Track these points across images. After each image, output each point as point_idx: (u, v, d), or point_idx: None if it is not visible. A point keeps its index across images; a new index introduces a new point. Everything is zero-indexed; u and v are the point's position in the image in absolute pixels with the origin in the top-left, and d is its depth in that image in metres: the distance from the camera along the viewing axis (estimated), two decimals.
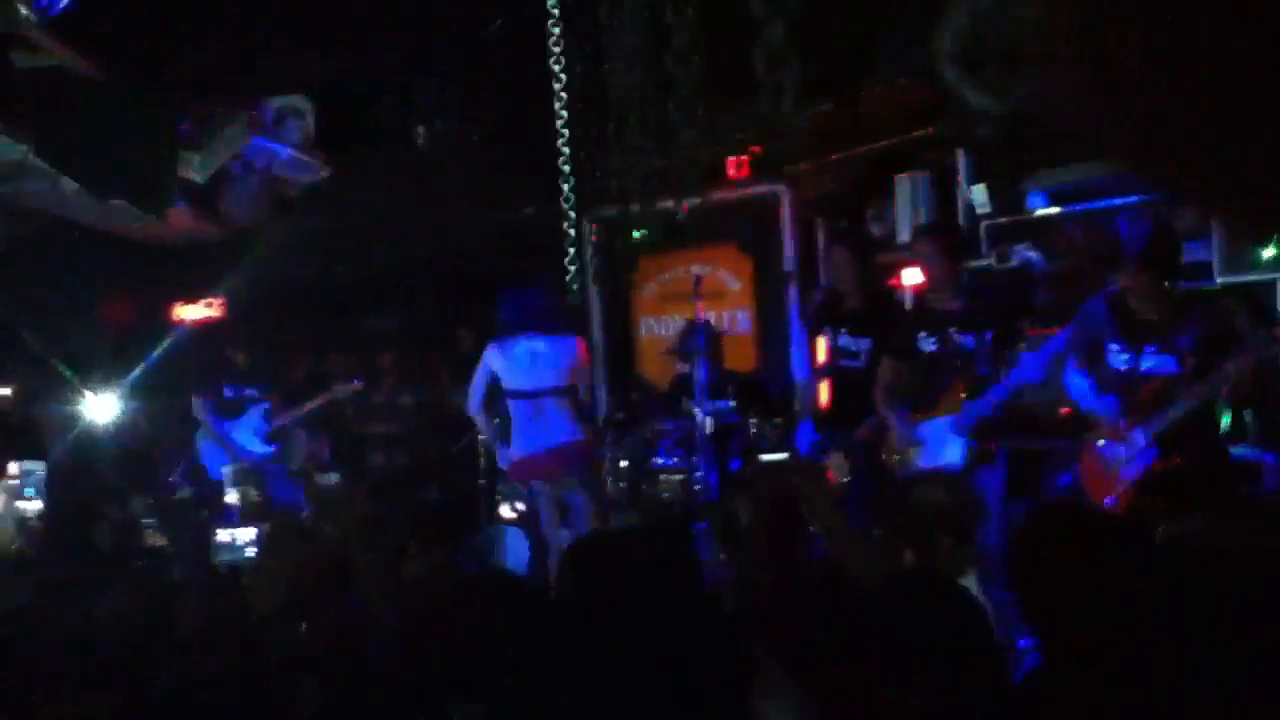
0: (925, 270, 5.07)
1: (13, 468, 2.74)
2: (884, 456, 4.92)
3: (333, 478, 3.30)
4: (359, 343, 8.12)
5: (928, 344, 4.80)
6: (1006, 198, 5.85)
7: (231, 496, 3.26)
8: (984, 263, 6.08)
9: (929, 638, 1.88)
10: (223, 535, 2.54)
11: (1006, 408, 4.59)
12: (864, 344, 5.33)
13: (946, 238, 4.96)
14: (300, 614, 2.54)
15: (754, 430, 6.32)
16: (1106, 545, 2.24)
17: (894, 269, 6.28)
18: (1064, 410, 5.35)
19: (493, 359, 5.37)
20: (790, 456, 5.38)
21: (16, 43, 4.48)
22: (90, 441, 6.16)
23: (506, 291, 5.48)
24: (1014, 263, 6.03)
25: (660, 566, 2.34)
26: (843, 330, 5.42)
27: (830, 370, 5.53)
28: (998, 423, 4.63)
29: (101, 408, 6.10)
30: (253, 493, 3.29)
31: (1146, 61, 1.86)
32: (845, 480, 5.00)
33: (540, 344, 5.32)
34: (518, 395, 5.33)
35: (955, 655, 1.88)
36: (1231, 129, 1.83)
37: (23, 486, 2.64)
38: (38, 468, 2.70)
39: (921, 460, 4.75)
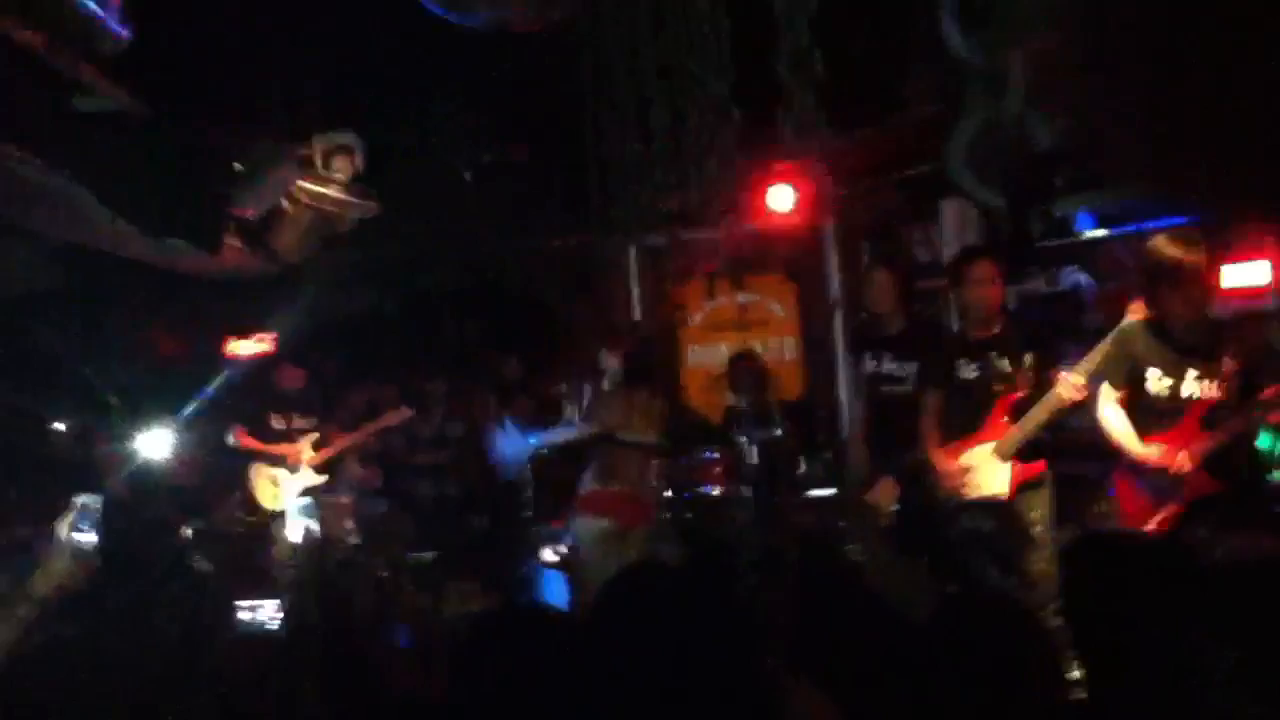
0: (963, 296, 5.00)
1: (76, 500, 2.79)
2: (933, 486, 4.86)
3: (381, 506, 3.31)
4: (408, 373, 8.19)
5: (969, 370, 4.76)
6: (1048, 221, 5.78)
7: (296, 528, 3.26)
8: (1034, 286, 6.01)
9: (989, 665, 1.87)
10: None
11: (1051, 432, 4.53)
12: (910, 368, 5.27)
13: (984, 262, 4.91)
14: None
15: (802, 466, 6.27)
16: (1155, 569, 2.21)
17: (937, 294, 6.23)
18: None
19: None
20: (836, 493, 5.34)
21: (75, 87, 4.60)
22: (145, 475, 6.27)
23: None
24: (1063, 285, 5.96)
25: (703, 600, 2.33)
26: (886, 355, 5.37)
27: (872, 396, 5.48)
28: (1043, 447, 4.57)
29: (155, 443, 6.21)
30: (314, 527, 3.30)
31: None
32: (893, 509, 4.94)
33: None
34: None
35: (1018, 678, 1.87)
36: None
37: (80, 520, 2.68)
38: (94, 501, 2.75)
39: (971, 489, 4.69)
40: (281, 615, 2.67)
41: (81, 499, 2.75)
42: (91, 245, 5.74)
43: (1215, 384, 4.03)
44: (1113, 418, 4.23)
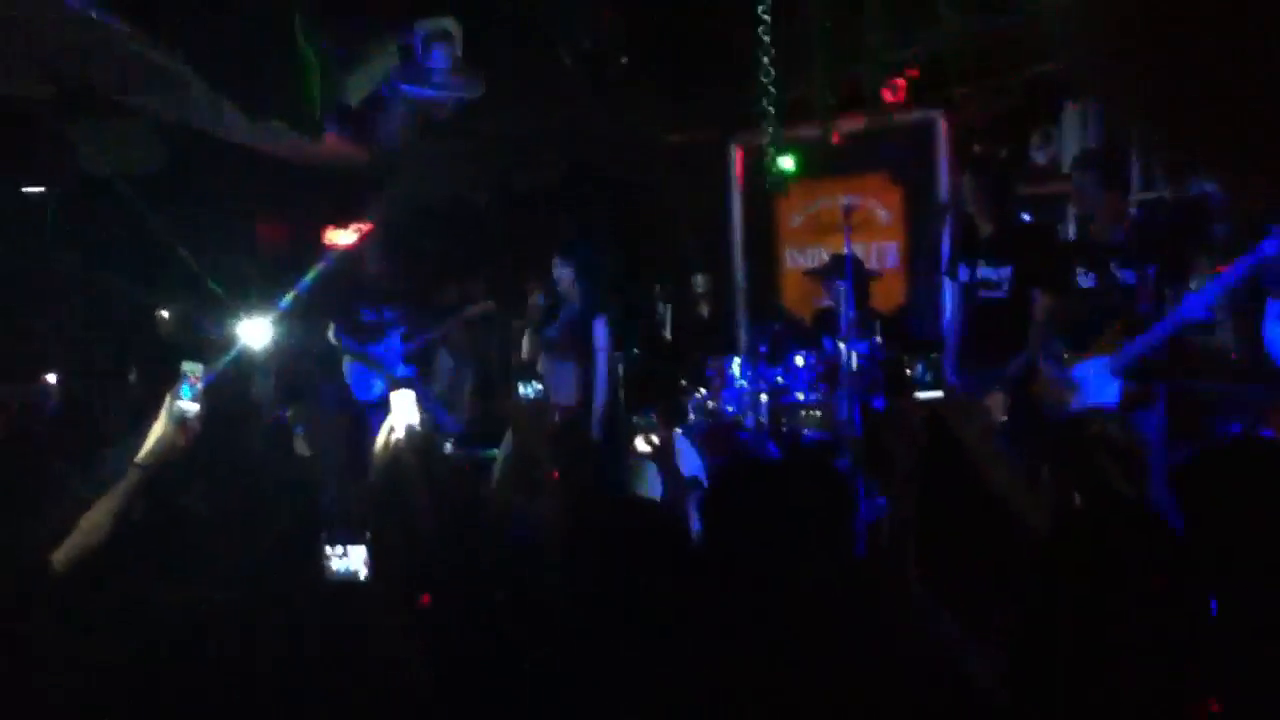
0: (1083, 201, 4.80)
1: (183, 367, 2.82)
2: (1037, 395, 4.72)
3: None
4: (501, 266, 8.18)
5: (1086, 279, 4.57)
6: None
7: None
8: (1156, 195, 5.73)
9: (1132, 571, 1.79)
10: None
11: (1170, 348, 4.33)
12: (1005, 272, 5.09)
13: (1106, 167, 4.67)
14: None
15: (906, 368, 6.11)
16: None
17: (1059, 199, 5.96)
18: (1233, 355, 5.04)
19: None
20: (945, 394, 5.20)
21: None
22: (247, 360, 6.38)
23: None
24: (1191, 192, 5.66)
25: (812, 496, 2.28)
26: (980, 261, 5.18)
27: (968, 302, 5.31)
28: (1159, 364, 4.37)
29: (256, 331, 6.30)
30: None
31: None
32: (1001, 419, 4.80)
33: None
34: None
35: (1161, 584, 1.80)
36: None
37: (183, 388, 2.71)
38: (197, 370, 2.76)
39: (1077, 401, 4.54)
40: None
41: (186, 366, 2.76)
42: (196, 126, 5.76)
43: None
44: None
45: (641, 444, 3.54)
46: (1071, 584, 1.89)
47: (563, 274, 5.79)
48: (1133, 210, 4.78)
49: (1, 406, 4.85)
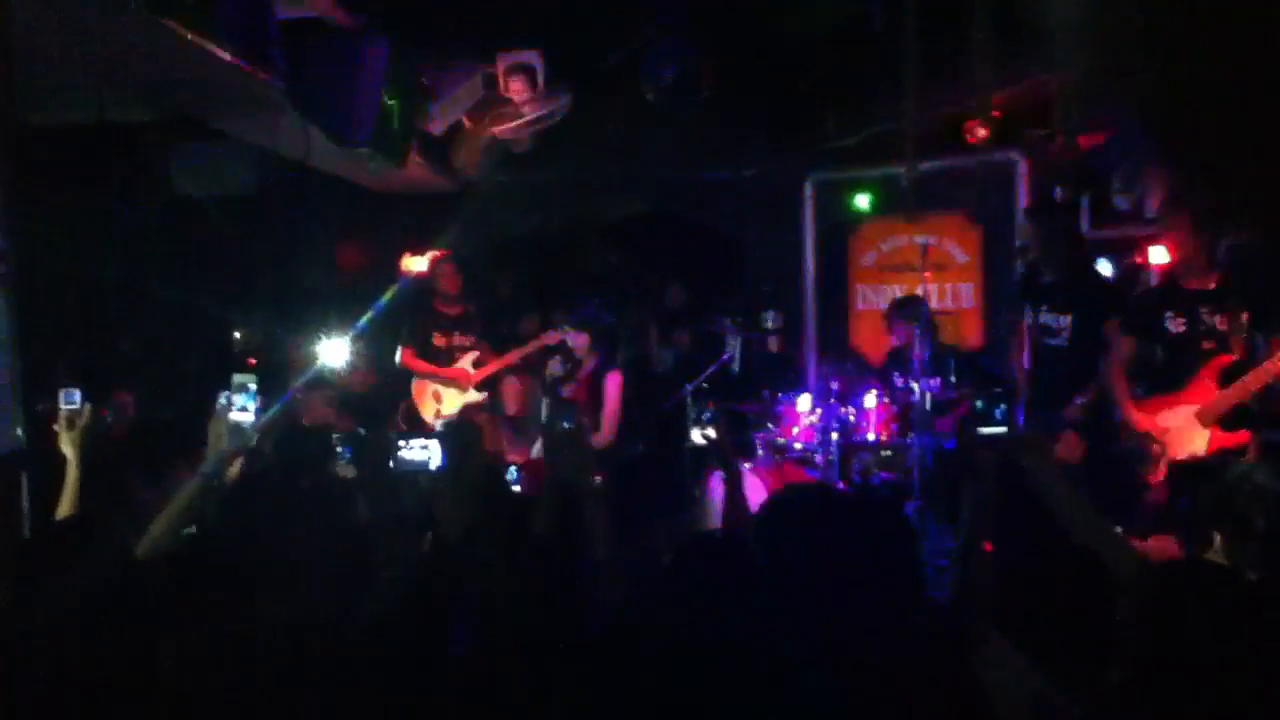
0: (1173, 245, 4.71)
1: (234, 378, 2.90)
2: (1120, 440, 4.63)
3: (568, 422, 3.32)
4: (571, 296, 8.23)
5: (1175, 324, 4.48)
6: None
7: None
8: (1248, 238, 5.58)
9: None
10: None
11: (1263, 397, 4.22)
12: (1064, 320, 5.00)
13: (1197, 210, 4.58)
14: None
15: (978, 409, 6.03)
16: None
17: (1140, 245, 5.86)
18: None
19: None
20: (1016, 432, 5.13)
21: None
22: (320, 381, 6.49)
23: None
24: None
25: (875, 529, 2.22)
26: (1043, 306, 5.09)
27: (1034, 346, 5.23)
28: (1251, 413, 4.26)
29: (334, 351, 6.43)
30: None
31: None
32: (1072, 461, 4.71)
33: None
34: None
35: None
36: None
37: (236, 397, 2.79)
38: (249, 380, 2.85)
39: (1163, 449, 4.44)
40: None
41: (236, 378, 2.84)
42: (284, 151, 5.91)
43: None
44: None
45: (698, 437, 3.54)
46: (1185, 638, 1.82)
47: (574, 339, 5.95)
48: (1222, 253, 4.67)
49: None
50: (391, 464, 2.73)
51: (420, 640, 2.35)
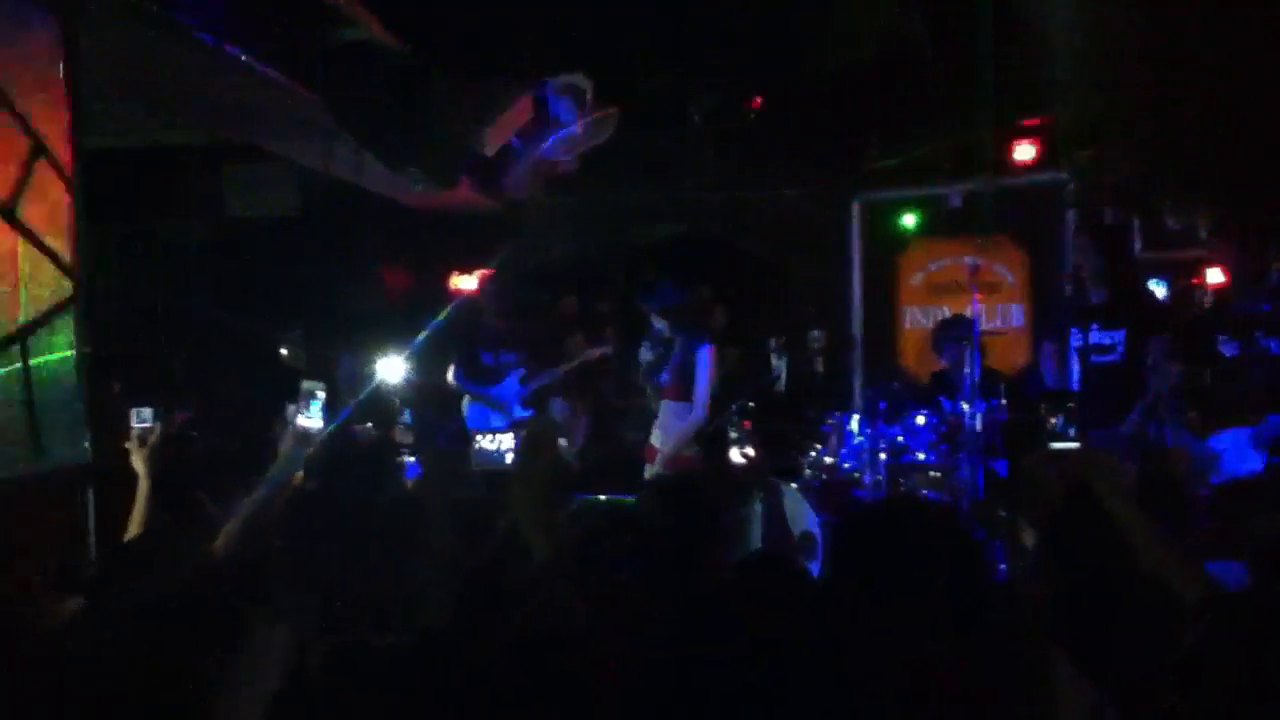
0: (1227, 268, 4.67)
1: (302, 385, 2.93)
2: (1171, 466, 4.57)
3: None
4: (617, 317, 8.26)
5: (1229, 348, 4.43)
6: None
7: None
8: None
9: None
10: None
11: None
12: (1118, 336, 4.98)
13: (1244, 234, 4.54)
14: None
15: (1044, 420, 5.95)
16: None
17: (1195, 266, 5.80)
18: None
19: None
20: (1081, 446, 5.09)
21: (332, 15, 4.79)
22: (386, 396, 6.57)
23: None
24: None
25: (943, 547, 2.20)
26: (1093, 324, 5.08)
27: (1085, 367, 5.20)
28: None
29: (392, 368, 6.50)
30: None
31: None
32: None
33: None
34: None
35: None
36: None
37: (304, 405, 2.81)
38: (318, 387, 2.87)
39: (1215, 474, 4.39)
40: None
41: (305, 384, 2.86)
42: (333, 173, 5.99)
43: None
44: None
45: (737, 456, 3.52)
46: (1253, 667, 1.79)
47: (657, 323, 5.82)
48: (1274, 277, 4.62)
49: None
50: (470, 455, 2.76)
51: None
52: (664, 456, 5.43)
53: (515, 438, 2.67)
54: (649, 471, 5.42)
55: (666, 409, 5.61)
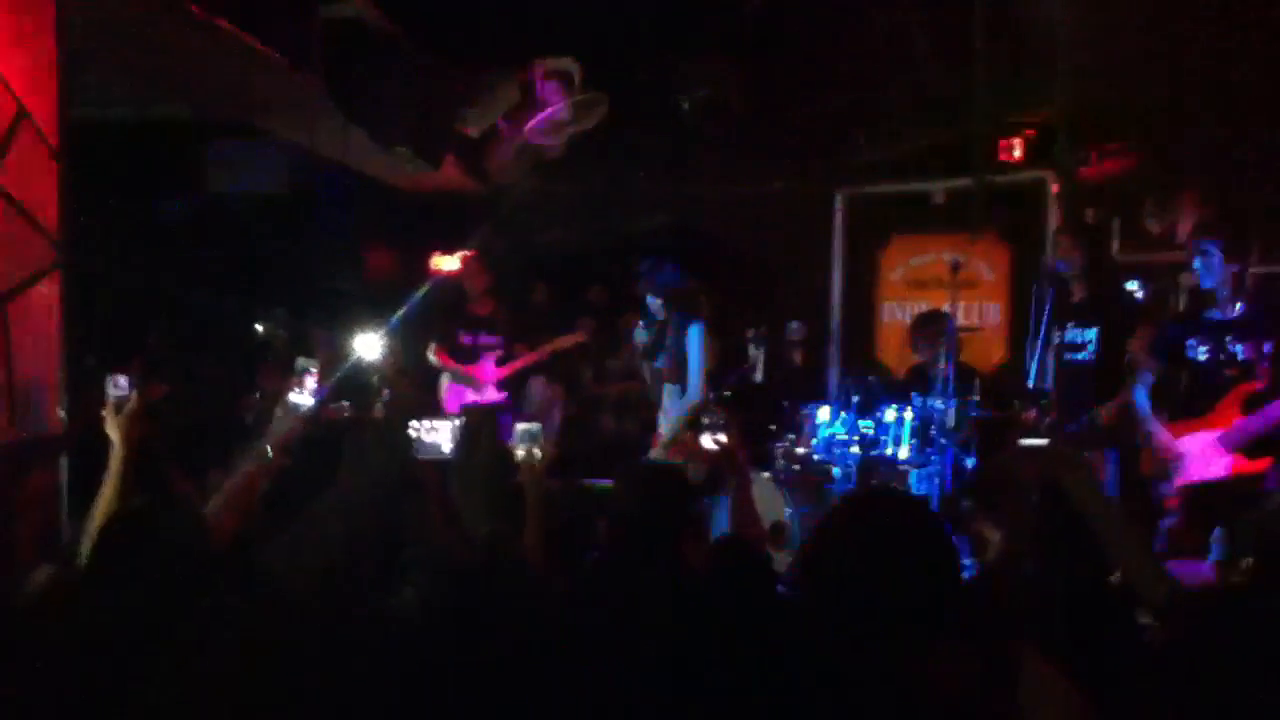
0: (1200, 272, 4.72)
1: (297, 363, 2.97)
2: (1144, 468, 4.63)
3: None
4: (599, 305, 8.26)
5: (1199, 351, 4.48)
6: None
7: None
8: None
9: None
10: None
11: None
12: (1090, 334, 5.05)
13: (1225, 237, 4.58)
14: None
15: (1021, 415, 5.99)
16: None
17: (1172, 269, 5.86)
18: None
19: None
20: (1053, 443, 5.13)
21: None
22: (365, 372, 6.56)
23: None
24: None
25: (917, 537, 2.19)
26: (1070, 323, 5.14)
27: (1058, 364, 5.25)
28: (1274, 442, 4.26)
29: (369, 345, 6.47)
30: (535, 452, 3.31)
31: None
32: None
33: None
34: None
35: None
36: None
37: (300, 380, 2.86)
38: (311, 364, 2.92)
39: (1181, 474, 4.45)
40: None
41: (300, 362, 2.91)
42: (321, 151, 5.96)
43: None
44: None
45: (708, 442, 3.52)
46: (1217, 667, 1.81)
47: (652, 303, 5.79)
48: (1249, 283, 4.66)
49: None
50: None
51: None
52: (664, 440, 5.42)
53: (453, 430, 2.71)
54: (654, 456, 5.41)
55: (667, 392, 5.59)
